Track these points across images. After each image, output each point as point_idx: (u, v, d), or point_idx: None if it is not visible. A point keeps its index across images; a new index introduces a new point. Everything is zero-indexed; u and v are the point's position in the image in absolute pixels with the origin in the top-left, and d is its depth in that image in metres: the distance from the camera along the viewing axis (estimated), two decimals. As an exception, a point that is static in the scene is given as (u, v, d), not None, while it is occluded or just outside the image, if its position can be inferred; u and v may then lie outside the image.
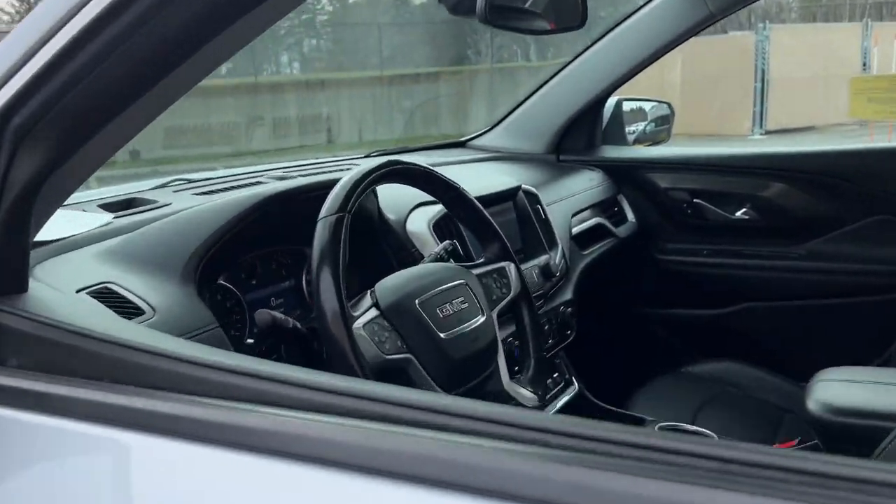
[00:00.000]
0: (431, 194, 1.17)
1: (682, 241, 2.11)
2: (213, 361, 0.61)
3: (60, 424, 0.63)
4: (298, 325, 0.99)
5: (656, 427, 1.46)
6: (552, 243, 1.62)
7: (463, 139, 2.34)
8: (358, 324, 0.91)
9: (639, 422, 1.51)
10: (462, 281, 1.08)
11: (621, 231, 2.04)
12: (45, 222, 0.81)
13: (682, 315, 2.14)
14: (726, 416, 1.70)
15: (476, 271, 1.15)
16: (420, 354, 0.96)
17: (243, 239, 1.07)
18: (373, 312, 0.95)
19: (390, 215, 1.32)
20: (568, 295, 1.64)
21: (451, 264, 1.14)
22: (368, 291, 0.99)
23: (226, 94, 12.36)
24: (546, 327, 1.51)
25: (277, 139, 12.49)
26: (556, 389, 1.55)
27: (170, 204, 1.34)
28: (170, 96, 0.70)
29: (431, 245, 1.30)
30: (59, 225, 1.17)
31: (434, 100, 13.31)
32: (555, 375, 1.57)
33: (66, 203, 1.35)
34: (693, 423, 1.63)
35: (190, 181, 1.63)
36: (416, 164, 1.10)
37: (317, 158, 2.02)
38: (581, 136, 2.17)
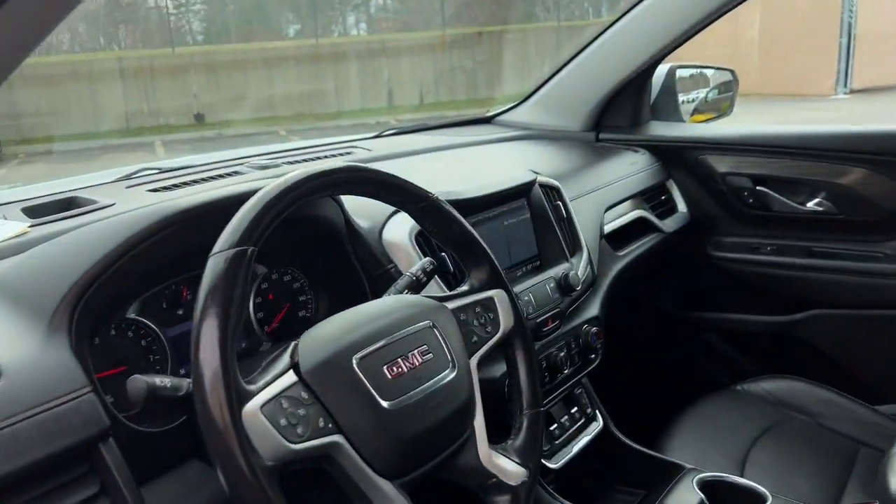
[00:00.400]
0: (393, 205, 0.91)
1: (741, 235, 1.79)
2: None
3: None
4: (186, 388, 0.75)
5: (694, 480, 1.19)
6: (575, 248, 1.35)
7: (490, 114, 2.06)
8: (254, 403, 0.67)
9: (674, 470, 1.24)
10: (426, 323, 0.83)
11: (669, 224, 1.74)
12: None
13: (738, 322, 1.83)
14: (786, 453, 1.41)
15: (453, 304, 0.89)
16: (353, 434, 0.72)
17: (151, 263, 0.84)
18: (287, 380, 0.71)
19: (362, 222, 1.08)
20: (593, 311, 1.36)
21: (416, 298, 0.88)
22: (290, 347, 0.75)
23: (288, 58, 12.28)
24: (563, 353, 1.25)
25: (339, 101, 12.38)
26: (573, 428, 1.29)
27: (113, 205, 1.13)
28: None
29: (415, 260, 1.05)
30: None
31: (497, 60, 12.91)
32: (572, 411, 1.31)
33: (-11, 205, 1.18)
34: (744, 465, 1.36)
35: (160, 170, 1.42)
36: (366, 170, 0.84)
37: (321, 140, 1.79)
38: (625, 110, 1.87)
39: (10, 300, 0.79)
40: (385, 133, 1.90)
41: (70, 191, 1.24)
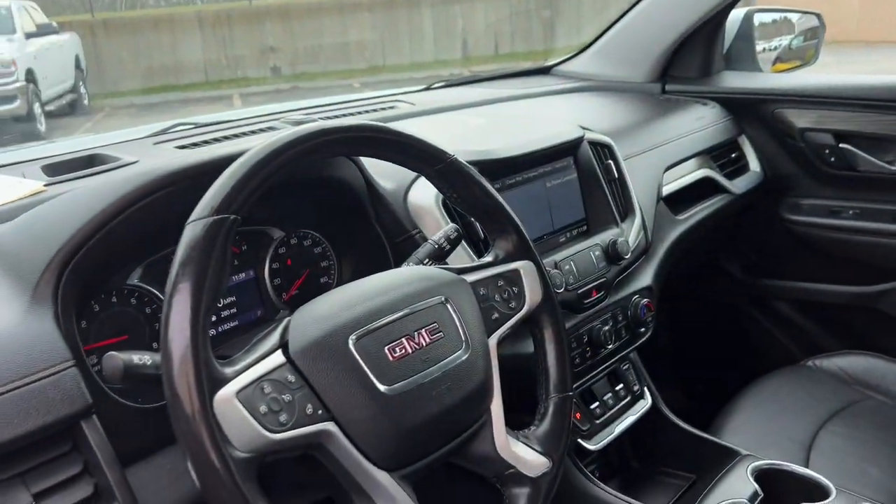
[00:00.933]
0: (408, 168, 0.82)
1: (820, 197, 1.63)
2: None
3: None
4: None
5: (749, 468, 1.09)
6: (627, 211, 1.24)
7: (549, 64, 1.93)
8: (231, 387, 0.61)
9: (728, 456, 1.13)
10: (439, 298, 0.75)
11: (738, 184, 1.59)
12: None
13: (813, 292, 1.68)
14: (858, 438, 1.28)
15: (472, 277, 0.81)
16: (347, 422, 0.66)
17: (150, 227, 0.79)
18: (274, 361, 0.65)
19: (386, 184, 1.00)
20: (645, 281, 1.25)
21: (430, 270, 0.80)
22: (281, 324, 0.69)
23: (362, 8, 12.19)
24: (608, 327, 1.15)
25: (413, 52, 12.25)
26: (617, 407, 1.20)
27: (135, 162, 1.08)
28: None
29: (441, 226, 0.97)
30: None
31: (576, 7, 12.46)
32: (618, 388, 1.22)
33: (11, 163, 1.16)
34: (810, 450, 1.24)
35: (196, 125, 1.38)
36: (373, 128, 0.76)
37: (362, 95, 1.71)
38: (694, 59, 1.71)
39: (3, 265, 0.75)
40: (434, 86, 1.80)
41: (96, 147, 1.21)
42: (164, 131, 1.35)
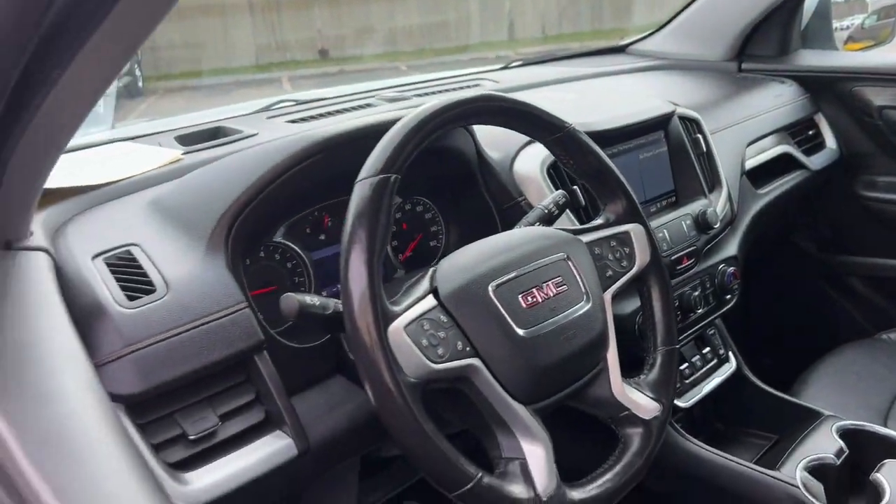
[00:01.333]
0: (529, 135, 0.90)
1: None
2: None
3: None
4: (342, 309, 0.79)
5: (833, 427, 1.14)
6: (714, 183, 1.29)
7: (623, 43, 1.97)
8: (398, 323, 0.69)
9: (812, 416, 1.19)
10: (561, 255, 0.83)
11: (815, 161, 1.63)
12: (40, 174, 0.66)
13: (888, 268, 1.70)
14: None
15: (588, 237, 0.88)
16: (490, 359, 0.74)
17: (298, 190, 0.88)
18: (427, 303, 0.73)
19: (494, 154, 1.07)
20: (731, 250, 1.31)
21: (551, 230, 0.87)
22: (428, 273, 0.77)
23: (411, -10, 12.21)
24: (697, 292, 1.21)
25: (459, 35, 12.24)
26: (704, 368, 1.26)
27: (256, 134, 1.17)
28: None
29: (545, 193, 1.04)
30: (117, 163, 1.05)
31: (626, -12, 12.31)
32: (704, 351, 1.28)
33: (146, 133, 1.26)
34: (887, 416, 1.28)
35: (297, 102, 1.47)
36: (501, 99, 0.83)
37: (447, 73, 1.78)
38: (772, 38, 1.74)
39: (170, 221, 0.84)
40: (512, 65, 1.86)
41: (216, 121, 1.30)
42: (269, 107, 1.44)
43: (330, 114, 1.34)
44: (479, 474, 0.69)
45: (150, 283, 0.75)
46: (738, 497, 1.08)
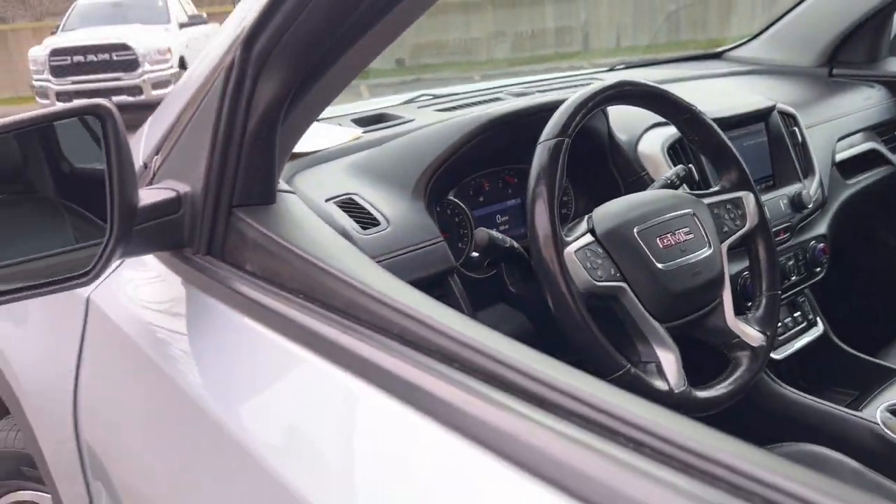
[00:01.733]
0: (663, 116, 1.11)
1: None
2: (446, 327, 0.53)
3: (275, 339, 0.64)
4: (516, 244, 1.02)
5: (914, 382, 1.31)
6: (808, 170, 1.47)
7: (719, 50, 2.15)
8: (570, 248, 0.92)
9: (890, 373, 1.35)
10: (689, 210, 1.03)
11: (901, 158, 1.78)
12: (297, 139, 0.90)
13: None
14: None
15: (708, 200, 1.08)
16: (634, 284, 0.95)
17: (470, 158, 1.11)
18: (587, 238, 0.95)
19: (621, 136, 1.28)
20: (821, 229, 1.48)
21: (679, 192, 1.08)
22: (585, 217, 0.99)
23: (485, 4, 12.47)
24: (791, 262, 1.39)
25: (534, 47, 12.44)
26: (794, 329, 1.44)
27: (413, 120, 1.41)
28: (400, 25, 0.72)
29: (664, 169, 1.25)
30: (317, 138, 1.31)
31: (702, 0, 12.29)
32: (795, 315, 1.46)
33: (325, 117, 1.51)
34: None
35: (435, 97, 1.70)
36: (644, 85, 1.04)
37: (561, 73, 1.99)
38: (862, 45, 1.89)
39: (377, 177, 1.08)
40: (618, 67, 2.07)
41: (374, 110, 1.55)
42: (411, 100, 1.69)
43: (469, 105, 1.57)
44: (628, 366, 0.91)
45: (374, 219, 0.99)
46: (823, 434, 1.26)
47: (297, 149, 1.20)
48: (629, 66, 2.10)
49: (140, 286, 0.88)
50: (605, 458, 0.40)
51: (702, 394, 0.96)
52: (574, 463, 0.41)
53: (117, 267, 0.90)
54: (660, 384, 0.93)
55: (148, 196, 0.74)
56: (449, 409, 0.48)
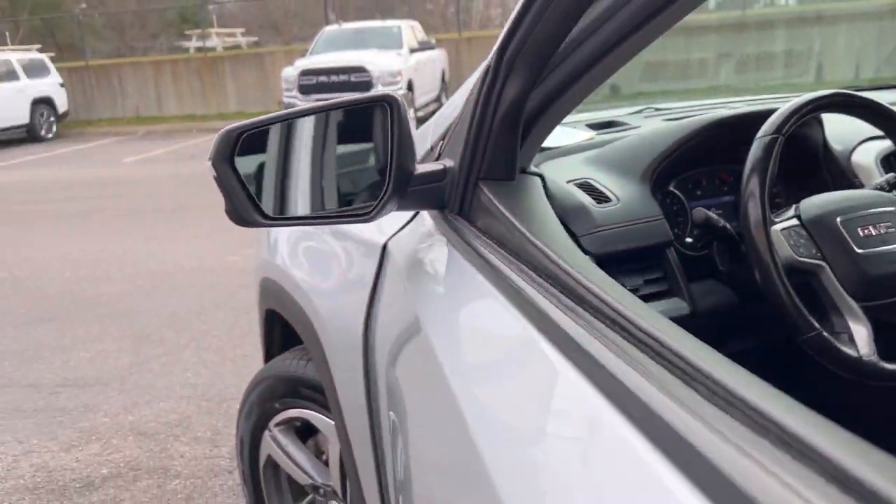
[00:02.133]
0: (878, 127, 1.23)
1: None
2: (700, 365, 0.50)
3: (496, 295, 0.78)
4: (729, 226, 1.20)
5: None
6: None
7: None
8: (776, 227, 1.08)
9: None
10: (893, 209, 1.15)
11: None
12: (547, 135, 1.14)
13: None
14: None
15: (907, 205, 1.19)
16: (833, 264, 1.09)
17: (692, 154, 1.30)
18: (793, 221, 1.11)
19: (836, 146, 1.40)
20: None
21: (886, 193, 1.20)
22: (794, 205, 1.15)
23: (710, 30, 12.20)
24: None
25: (759, 76, 11.96)
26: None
27: (639, 126, 1.63)
28: (645, 40, 0.91)
29: (875, 177, 1.36)
30: (560, 136, 1.57)
31: (960, 30, 11.15)
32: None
33: (565, 122, 1.77)
34: None
35: (658, 109, 1.91)
36: (861, 97, 1.18)
37: (779, 95, 2.10)
38: None
39: (610, 166, 1.31)
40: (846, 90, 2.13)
41: (605, 118, 1.79)
42: (638, 111, 1.90)
43: (689, 116, 1.76)
44: (820, 329, 1.06)
45: (607, 197, 1.22)
46: None
47: (546, 144, 1.48)
48: (860, 89, 2.15)
49: (417, 236, 1.17)
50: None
51: (890, 366, 1.08)
52: None
53: (411, 219, 1.19)
54: (849, 351, 1.06)
55: (423, 168, 1.00)
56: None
